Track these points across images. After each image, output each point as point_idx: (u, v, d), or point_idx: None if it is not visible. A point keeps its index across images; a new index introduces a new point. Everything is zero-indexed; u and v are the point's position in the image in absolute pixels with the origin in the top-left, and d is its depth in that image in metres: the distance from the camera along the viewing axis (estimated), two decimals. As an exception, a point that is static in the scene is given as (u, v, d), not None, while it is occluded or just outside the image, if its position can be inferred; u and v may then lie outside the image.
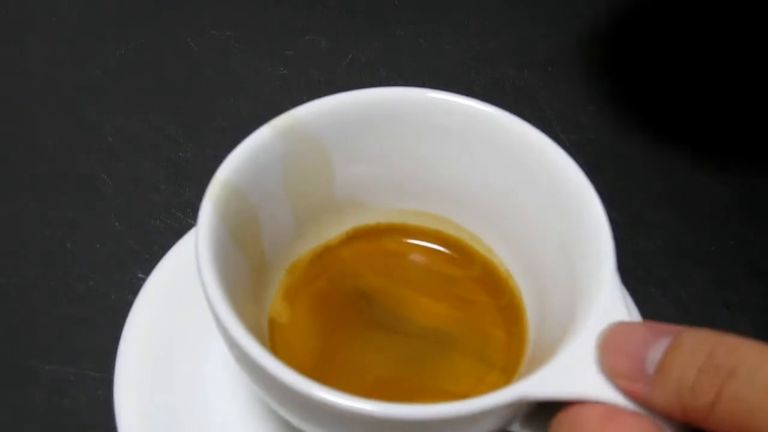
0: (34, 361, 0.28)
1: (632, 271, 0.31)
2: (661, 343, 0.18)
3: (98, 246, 0.32)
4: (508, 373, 0.24)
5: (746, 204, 0.36)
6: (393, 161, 0.26)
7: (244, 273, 0.23)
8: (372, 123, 0.25)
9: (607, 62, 0.42)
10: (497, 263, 0.26)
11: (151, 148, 0.36)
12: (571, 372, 0.18)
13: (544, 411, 0.20)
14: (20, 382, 0.28)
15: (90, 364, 0.28)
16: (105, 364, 0.26)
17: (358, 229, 0.27)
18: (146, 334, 0.26)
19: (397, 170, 0.26)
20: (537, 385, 0.18)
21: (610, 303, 0.20)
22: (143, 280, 0.28)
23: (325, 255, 0.27)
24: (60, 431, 0.27)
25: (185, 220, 0.33)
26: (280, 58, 0.41)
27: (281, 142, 0.24)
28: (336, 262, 0.27)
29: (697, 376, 0.16)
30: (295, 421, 0.21)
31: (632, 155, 0.37)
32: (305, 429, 0.21)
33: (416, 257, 0.27)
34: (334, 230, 0.27)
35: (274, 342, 0.24)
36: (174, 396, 0.25)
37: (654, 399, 0.17)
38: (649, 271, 0.32)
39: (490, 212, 0.26)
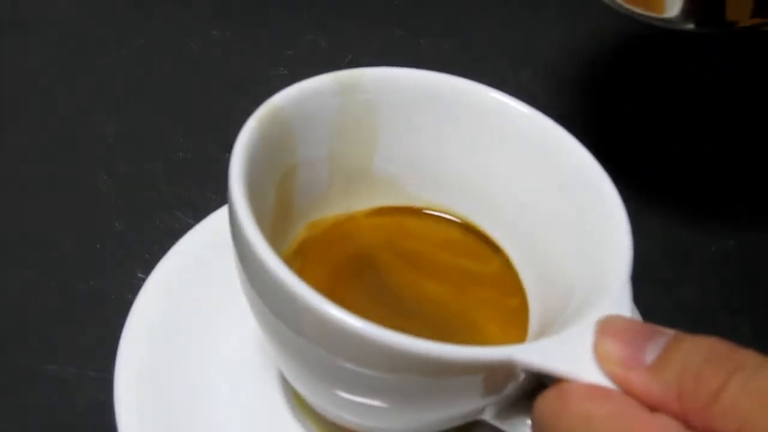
0: (34, 361, 0.28)
1: (632, 271, 0.31)
2: (659, 339, 0.18)
3: (98, 246, 0.32)
4: None
5: (747, 204, 0.36)
6: (437, 149, 0.26)
7: (268, 204, 0.23)
8: (427, 105, 0.25)
9: (608, 62, 0.42)
10: (512, 270, 0.26)
11: (151, 148, 0.36)
12: (566, 350, 0.18)
13: (521, 408, 0.20)
14: (20, 382, 0.28)
15: (90, 364, 0.28)
16: (105, 364, 0.26)
17: (385, 207, 0.27)
18: (146, 334, 0.26)
19: (438, 160, 0.26)
20: (528, 352, 0.18)
21: (618, 302, 0.20)
22: (143, 280, 0.28)
23: (347, 224, 0.27)
24: (60, 431, 0.27)
25: (185, 220, 0.33)
26: (280, 58, 0.41)
27: (339, 94, 0.24)
28: (356, 233, 0.27)
29: (702, 364, 0.16)
30: (294, 367, 0.21)
31: (633, 156, 0.37)
32: (304, 381, 0.22)
33: (436, 244, 0.27)
34: (362, 204, 0.27)
35: None
36: (174, 396, 0.25)
37: (649, 387, 0.17)
38: (649, 271, 0.32)
39: (518, 222, 0.26)
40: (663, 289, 0.32)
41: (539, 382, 0.19)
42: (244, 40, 0.42)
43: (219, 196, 0.34)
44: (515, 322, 0.25)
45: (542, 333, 0.23)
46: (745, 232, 0.35)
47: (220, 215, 0.30)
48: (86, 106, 0.38)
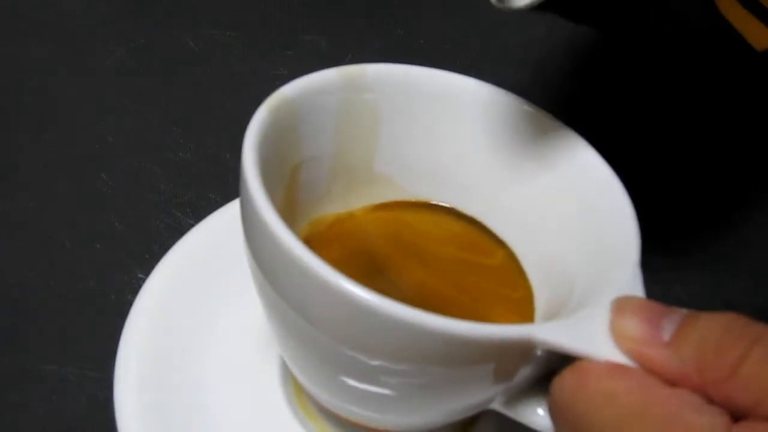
0: (34, 361, 0.28)
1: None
2: (675, 315, 0.18)
3: (98, 246, 0.32)
4: None
5: (746, 203, 0.36)
6: (438, 146, 0.26)
7: (277, 195, 0.23)
8: (429, 102, 0.25)
9: (607, 62, 0.42)
10: (516, 262, 0.26)
11: (151, 148, 0.36)
12: (583, 329, 0.18)
13: (531, 395, 0.20)
14: (20, 382, 0.28)
15: (90, 364, 0.28)
16: (105, 364, 0.26)
17: (387, 202, 0.27)
18: (146, 334, 0.26)
19: (440, 157, 0.26)
20: (548, 331, 0.18)
21: (630, 283, 0.20)
22: (143, 280, 0.28)
23: (350, 220, 0.27)
24: (60, 431, 0.27)
25: (185, 220, 0.33)
26: (280, 58, 0.41)
27: (344, 88, 0.24)
28: (359, 229, 0.27)
29: (721, 336, 0.16)
30: (303, 354, 0.21)
31: (632, 155, 0.37)
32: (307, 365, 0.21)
33: (439, 238, 0.27)
34: (364, 201, 0.27)
35: None
36: (174, 396, 0.25)
37: (668, 362, 0.17)
38: (649, 271, 0.32)
39: (519, 216, 0.26)
40: (663, 289, 0.32)
41: (550, 368, 0.19)
42: (244, 40, 0.42)
43: (219, 196, 0.34)
44: (521, 313, 0.25)
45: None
46: (744, 232, 0.35)
47: (220, 215, 0.30)
48: (86, 106, 0.38)
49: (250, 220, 0.20)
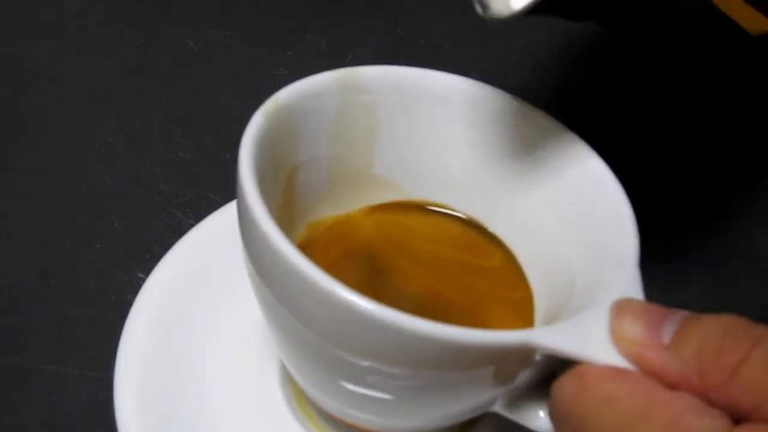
0: (34, 361, 0.28)
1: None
2: (675, 318, 0.18)
3: (98, 246, 0.32)
4: None
5: (746, 204, 0.36)
6: (435, 147, 0.26)
7: (275, 199, 0.23)
8: (426, 103, 0.25)
9: (607, 63, 0.42)
10: (516, 264, 0.26)
11: (151, 148, 0.36)
12: (582, 332, 0.18)
13: (532, 398, 0.20)
14: (20, 382, 0.28)
15: (90, 364, 0.28)
16: (105, 364, 0.26)
17: (385, 204, 0.27)
18: (146, 334, 0.26)
19: (437, 158, 0.26)
20: (547, 335, 0.18)
21: (630, 286, 0.20)
22: (143, 280, 0.28)
23: (348, 222, 0.27)
24: (60, 431, 0.27)
25: (185, 220, 0.33)
26: (280, 58, 0.41)
27: (340, 91, 0.24)
28: (357, 231, 0.27)
29: (721, 338, 0.16)
30: (300, 359, 0.21)
31: (632, 156, 0.37)
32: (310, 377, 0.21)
33: (438, 240, 0.27)
34: (362, 202, 0.27)
35: None
36: (174, 396, 0.25)
37: (669, 365, 0.17)
38: (649, 271, 0.32)
39: (519, 217, 0.26)
40: (663, 289, 0.32)
41: (551, 371, 0.19)
42: (244, 40, 0.42)
43: (219, 196, 0.34)
44: (521, 315, 0.25)
45: (549, 324, 0.23)
46: (744, 232, 0.35)
47: (220, 215, 0.30)
48: (86, 106, 0.38)
49: (246, 227, 0.20)
